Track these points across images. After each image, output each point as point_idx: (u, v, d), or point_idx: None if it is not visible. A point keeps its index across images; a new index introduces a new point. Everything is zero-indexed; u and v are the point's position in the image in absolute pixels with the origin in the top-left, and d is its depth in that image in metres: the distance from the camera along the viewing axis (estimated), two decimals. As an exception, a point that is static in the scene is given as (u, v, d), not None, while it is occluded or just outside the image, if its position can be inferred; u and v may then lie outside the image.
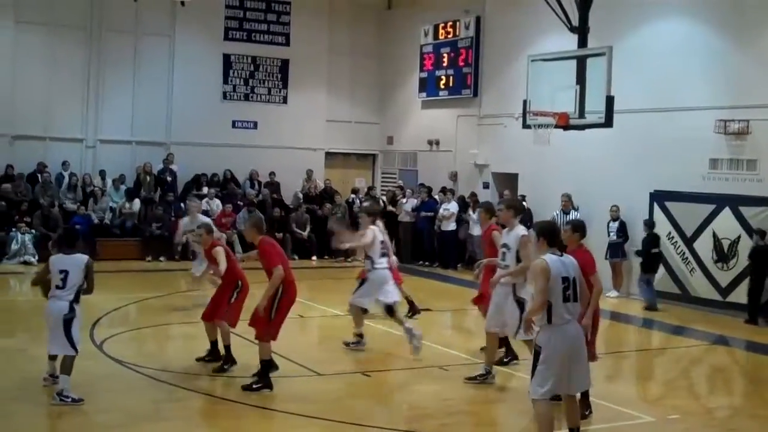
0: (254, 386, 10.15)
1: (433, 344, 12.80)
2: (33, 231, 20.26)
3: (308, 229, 22.97)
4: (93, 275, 9.67)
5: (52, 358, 9.77)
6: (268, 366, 10.27)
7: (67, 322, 9.37)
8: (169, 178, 23.16)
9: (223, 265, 11.24)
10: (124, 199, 22.39)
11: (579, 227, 9.75)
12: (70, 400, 9.29)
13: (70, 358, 9.41)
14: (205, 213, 21.94)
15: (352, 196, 24.51)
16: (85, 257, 9.65)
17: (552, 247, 8.08)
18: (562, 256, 8.05)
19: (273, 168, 24.66)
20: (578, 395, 8.67)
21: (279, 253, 10.34)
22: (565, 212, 18.84)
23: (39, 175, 21.94)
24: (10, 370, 10.90)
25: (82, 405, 9.29)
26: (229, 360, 11.01)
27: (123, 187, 22.70)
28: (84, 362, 11.10)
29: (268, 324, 10.20)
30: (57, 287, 9.43)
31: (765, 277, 15.64)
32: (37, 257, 19.78)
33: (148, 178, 22.88)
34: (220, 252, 11.37)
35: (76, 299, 9.48)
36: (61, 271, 9.44)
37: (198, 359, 11.29)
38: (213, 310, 11.19)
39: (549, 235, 8.15)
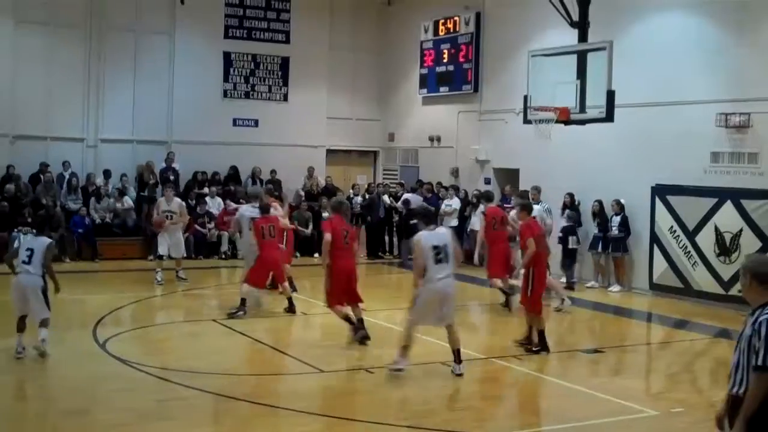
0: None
1: (435, 340, 12.80)
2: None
3: (310, 226, 22.94)
4: (50, 256, 11.31)
5: (21, 329, 11.15)
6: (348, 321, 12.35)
7: (44, 291, 11.11)
8: (171, 177, 23.16)
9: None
10: (116, 196, 22.34)
11: (525, 207, 12.99)
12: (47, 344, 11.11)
13: (47, 319, 11.11)
14: (207, 213, 22.09)
15: (351, 192, 24.48)
16: (48, 240, 11.39)
17: (428, 225, 10.81)
18: (434, 230, 10.76)
19: (274, 166, 24.65)
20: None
21: (332, 227, 12.13)
22: (536, 203, 18.84)
23: (41, 176, 21.94)
24: (13, 369, 10.92)
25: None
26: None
27: (130, 187, 22.68)
28: (87, 361, 11.17)
29: (328, 291, 12.21)
30: (23, 262, 11.03)
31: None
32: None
33: (152, 177, 22.87)
34: None
35: (44, 274, 11.14)
36: (27, 249, 11.14)
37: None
38: None
39: (422, 217, 11.09)
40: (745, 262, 5.87)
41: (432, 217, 11.23)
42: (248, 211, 15.53)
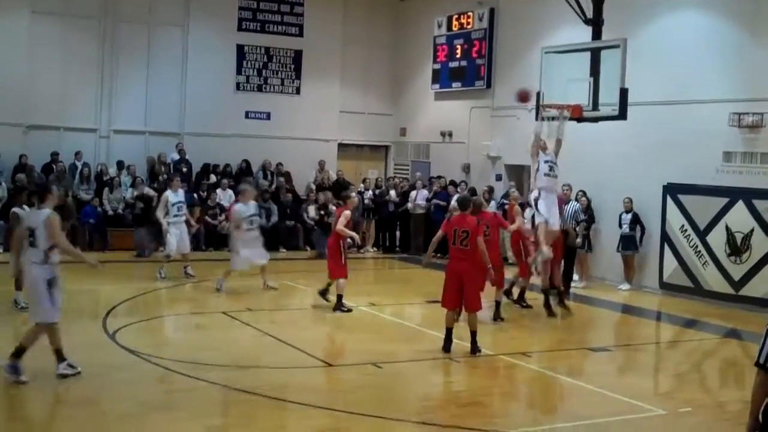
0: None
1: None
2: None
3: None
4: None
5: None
6: None
7: None
8: (184, 169, 23.18)
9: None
10: (133, 189, 22.31)
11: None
12: None
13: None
14: (218, 205, 22.11)
15: (362, 186, 24.45)
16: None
17: (63, 221, 10.29)
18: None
19: (286, 159, 24.69)
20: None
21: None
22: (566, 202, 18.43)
23: (54, 165, 22.02)
24: (28, 358, 10.95)
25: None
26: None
27: (140, 178, 22.64)
28: (97, 352, 11.20)
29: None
30: None
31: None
32: (51, 246, 19.80)
33: (163, 168, 22.89)
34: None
35: None
36: None
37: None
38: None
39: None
40: None
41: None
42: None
